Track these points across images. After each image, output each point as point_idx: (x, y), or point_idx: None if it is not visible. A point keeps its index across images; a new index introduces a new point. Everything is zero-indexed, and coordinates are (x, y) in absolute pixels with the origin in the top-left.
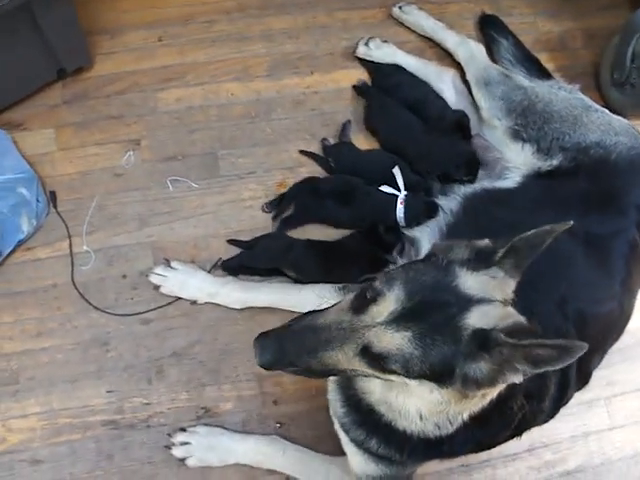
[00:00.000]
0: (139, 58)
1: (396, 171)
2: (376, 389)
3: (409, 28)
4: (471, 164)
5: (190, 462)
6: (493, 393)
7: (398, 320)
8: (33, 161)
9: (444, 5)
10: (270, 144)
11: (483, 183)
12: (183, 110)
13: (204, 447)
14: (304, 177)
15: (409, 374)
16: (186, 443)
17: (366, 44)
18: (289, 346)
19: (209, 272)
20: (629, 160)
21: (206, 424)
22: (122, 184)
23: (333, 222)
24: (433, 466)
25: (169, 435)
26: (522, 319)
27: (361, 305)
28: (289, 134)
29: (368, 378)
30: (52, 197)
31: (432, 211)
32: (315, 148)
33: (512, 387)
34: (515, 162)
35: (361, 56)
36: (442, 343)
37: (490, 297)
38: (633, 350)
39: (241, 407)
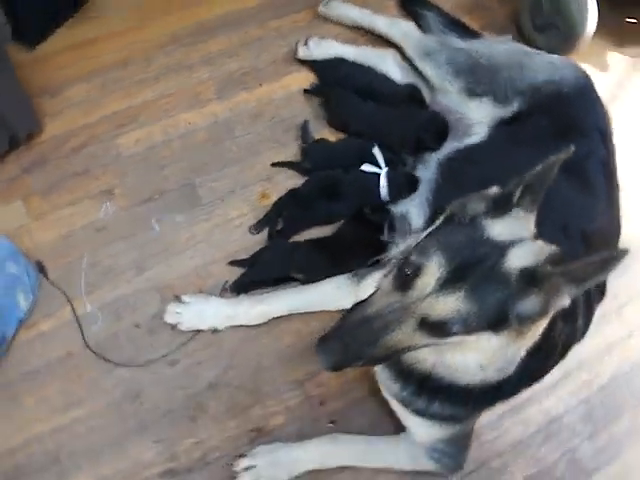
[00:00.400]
0: (87, 111)
1: (376, 151)
2: (428, 356)
3: (338, 22)
4: (439, 126)
5: None
6: (544, 323)
7: (446, 285)
8: (10, 236)
9: None
10: (241, 161)
11: (453, 144)
12: (146, 150)
13: (270, 465)
14: (284, 185)
15: (468, 331)
16: (250, 467)
17: (305, 45)
18: (351, 343)
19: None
20: (578, 89)
21: (263, 443)
22: (107, 237)
23: (328, 220)
24: (485, 416)
25: (230, 465)
26: (554, 247)
27: (404, 283)
28: (256, 147)
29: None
30: (40, 268)
31: (412, 183)
32: (284, 154)
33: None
34: (478, 117)
35: (303, 57)
36: (494, 292)
37: (521, 237)
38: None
39: (291, 417)
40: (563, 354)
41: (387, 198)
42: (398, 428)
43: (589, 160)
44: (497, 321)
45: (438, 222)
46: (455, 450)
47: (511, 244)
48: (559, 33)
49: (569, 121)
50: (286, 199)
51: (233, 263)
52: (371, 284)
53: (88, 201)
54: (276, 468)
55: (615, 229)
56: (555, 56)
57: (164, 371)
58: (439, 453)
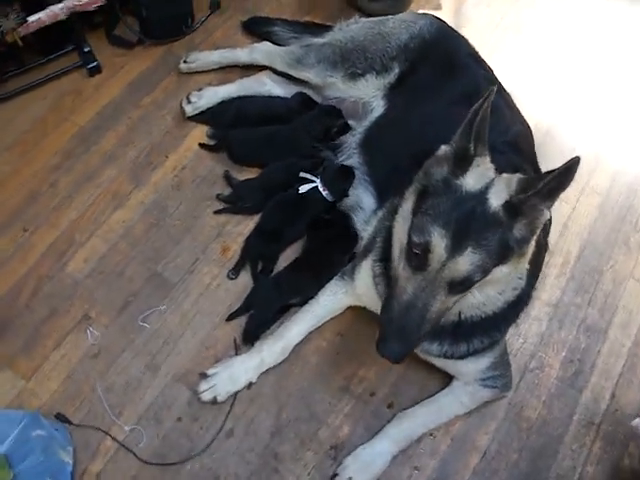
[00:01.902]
0: (23, 257)
1: (302, 174)
2: (452, 308)
3: (203, 71)
4: (329, 112)
5: None
6: (536, 238)
7: (454, 248)
8: (17, 405)
9: (211, 38)
10: (188, 230)
11: (363, 124)
12: (98, 264)
13: (361, 470)
14: (237, 232)
15: (487, 273)
16: None
17: (188, 102)
18: (406, 332)
19: (237, 354)
20: (437, 32)
21: (345, 455)
22: (107, 357)
23: (293, 241)
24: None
25: None
26: (517, 175)
27: (419, 263)
28: (194, 212)
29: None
30: (62, 418)
31: (347, 172)
32: (222, 205)
33: None
34: (370, 93)
35: (191, 114)
36: (493, 234)
37: (489, 178)
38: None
39: (354, 421)
40: (546, 246)
41: (333, 198)
42: (447, 379)
43: (478, 82)
44: (503, 254)
45: (411, 199)
46: (502, 369)
47: (486, 188)
48: None
49: (445, 59)
50: (255, 239)
51: (231, 318)
52: (364, 273)
53: (71, 336)
54: (367, 468)
55: (526, 127)
56: (403, 15)
57: (227, 444)
58: (491, 379)
